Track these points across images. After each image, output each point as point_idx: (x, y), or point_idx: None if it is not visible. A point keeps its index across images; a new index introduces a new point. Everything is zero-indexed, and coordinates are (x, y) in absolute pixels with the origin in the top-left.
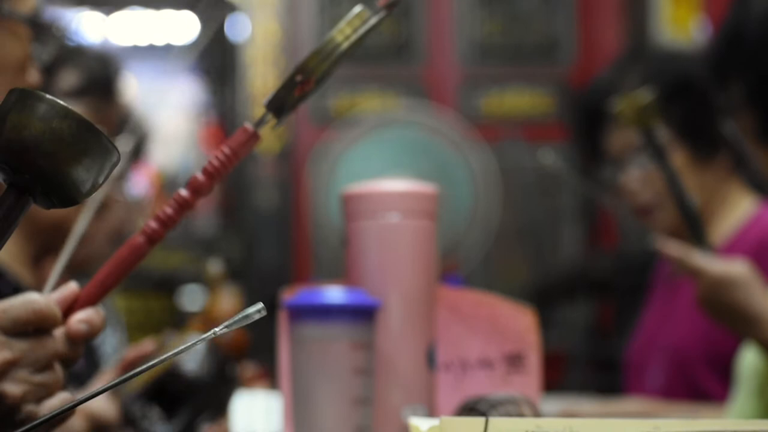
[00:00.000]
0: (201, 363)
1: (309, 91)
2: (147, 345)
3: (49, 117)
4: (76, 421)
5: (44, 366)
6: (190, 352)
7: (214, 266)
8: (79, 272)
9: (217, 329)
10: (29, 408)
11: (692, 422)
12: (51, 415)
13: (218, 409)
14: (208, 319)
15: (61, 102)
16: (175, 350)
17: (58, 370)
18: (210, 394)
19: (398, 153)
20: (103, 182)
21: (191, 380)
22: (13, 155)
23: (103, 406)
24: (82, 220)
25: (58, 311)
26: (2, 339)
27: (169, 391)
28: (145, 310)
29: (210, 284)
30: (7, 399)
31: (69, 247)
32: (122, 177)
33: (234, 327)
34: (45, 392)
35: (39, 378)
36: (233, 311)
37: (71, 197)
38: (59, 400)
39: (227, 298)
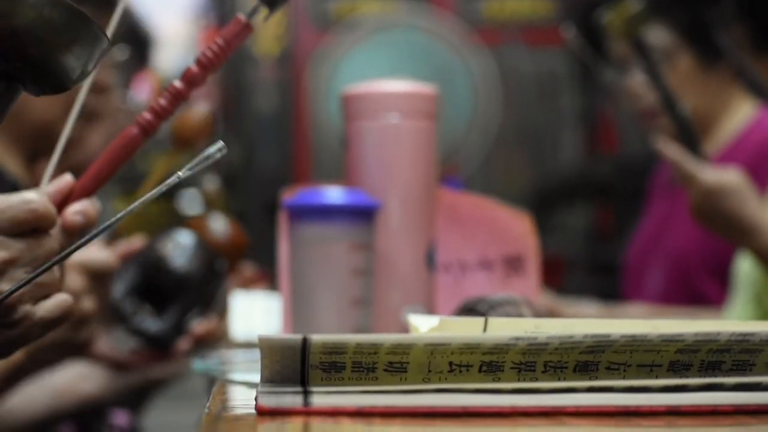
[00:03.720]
0: (190, 259)
1: None
2: (136, 241)
3: (39, 4)
4: (71, 276)
5: (41, 265)
6: (178, 249)
7: (211, 183)
8: (78, 177)
9: (180, 172)
10: (26, 308)
11: (691, 323)
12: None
13: (207, 304)
14: (199, 227)
15: None
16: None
17: (56, 270)
18: (199, 290)
19: (398, 56)
20: (93, 69)
21: (180, 277)
22: (3, 43)
23: (96, 252)
24: (70, 122)
25: (54, 211)
26: (0, 239)
27: (159, 288)
28: (144, 214)
29: (207, 200)
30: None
31: (59, 150)
32: (125, 85)
33: (196, 168)
34: (41, 292)
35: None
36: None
37: (61, 84)
38: (56, 301)
39: (219, 222)
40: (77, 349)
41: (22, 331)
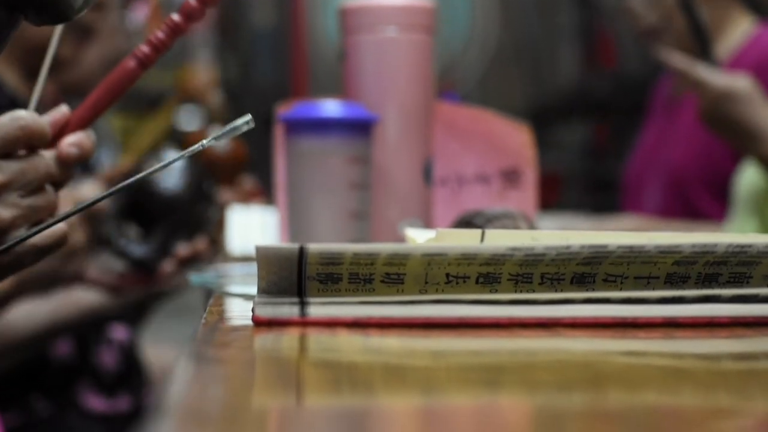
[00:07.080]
0: (177, 181)
1: None
2: (124, 164)
3: None
4: (63, 208)
5: (35, 189)
6: (166, 170)
7: (215, 97)
8: (74, 96)
9: (204, 141)
10: (19, 234)
11: (688, 235)
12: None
13: (195, 227)
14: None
15: None
16: (158, 166)
17: (50, 193)
18: (186, 211)
19: None
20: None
21: (168, 198)
22: None
23: (89, 189)
24: (55, 37)
25: (46, 127)
26: None
27: (146, 210)
28: (144, 131)
29: (210, 115)
30: None
31: (47, 64)
32: (123, 5)
33: (221, 139)
34: (36, 216)
35: (29, 201)
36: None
37: (63, 14)
38: (51, 227)
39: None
40: (65, 282)
41: (15, 257)
